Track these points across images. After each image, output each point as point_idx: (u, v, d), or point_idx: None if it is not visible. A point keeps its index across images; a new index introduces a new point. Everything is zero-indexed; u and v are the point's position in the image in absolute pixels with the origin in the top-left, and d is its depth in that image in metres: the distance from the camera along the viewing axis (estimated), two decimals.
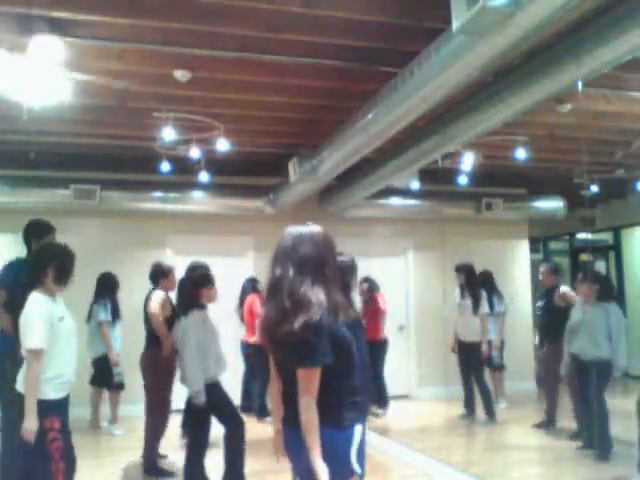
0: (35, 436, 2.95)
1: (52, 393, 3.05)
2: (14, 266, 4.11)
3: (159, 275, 4.93)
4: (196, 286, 4.23)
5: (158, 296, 4.79)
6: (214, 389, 4.10)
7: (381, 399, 6.87)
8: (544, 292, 6.03)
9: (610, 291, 5.28)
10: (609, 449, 4.76)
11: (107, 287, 6.16)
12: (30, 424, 2.94)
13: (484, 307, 6.50)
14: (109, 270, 6.27)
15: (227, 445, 4.11)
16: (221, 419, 4.15)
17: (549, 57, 3.81)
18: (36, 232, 4.10)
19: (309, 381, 1.97)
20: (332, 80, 4.61)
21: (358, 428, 2.10)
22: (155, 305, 4.72)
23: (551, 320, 5.73)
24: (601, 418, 4.76)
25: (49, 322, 3.06)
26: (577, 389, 5.17)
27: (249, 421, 5.34)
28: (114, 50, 4.04)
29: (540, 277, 6.12)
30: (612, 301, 5.09)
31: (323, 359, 1.98)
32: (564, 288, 5.86)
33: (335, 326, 2.05)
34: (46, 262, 3.19)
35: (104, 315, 6.01)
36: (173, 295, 5.06)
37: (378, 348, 6.68)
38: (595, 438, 4.82)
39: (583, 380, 4.95)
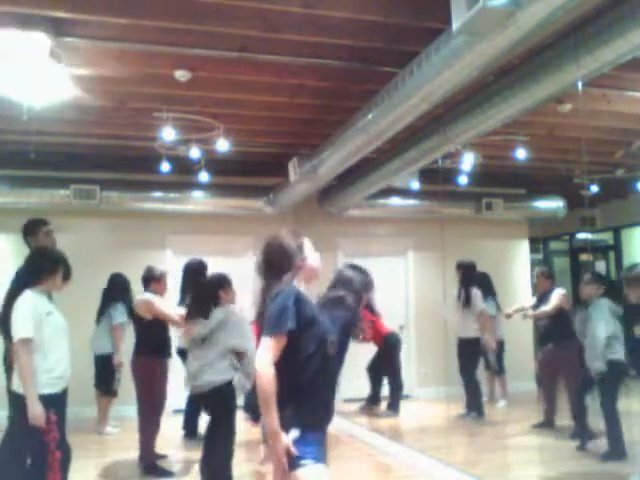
0: (32, 428, 3.09)
1: (46, 388, 3.17)
2: None
3: (150, 279, 4.92)
4: (214, 290, 4.24)
5: (148, 297, 4.79)
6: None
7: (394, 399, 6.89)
8: (540, 297, 5.97)
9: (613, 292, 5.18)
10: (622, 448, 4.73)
11: (121, 288, 6.15)
12: (35, 409, 3.07)
13: (478, 304, 6.52)
14: (118, 271, 6.25)
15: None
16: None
17: (549, 57, 3.81)
18: (30, 230, 4.38)
19: (271, 347, 2.17)
20: (332, 80, 4.61)
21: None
22: (149, 302, 4.73)
23: (552, 324, 5.67)
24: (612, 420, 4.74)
25: (37, 316, 3.21)
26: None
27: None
28: (114, 50, 4.04)
29: (535, 281, 6.12)
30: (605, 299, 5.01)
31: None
32: (562, 290, 5.82)
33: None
34: (56, 263, 3.45)
35: (121, 317, 5.99)
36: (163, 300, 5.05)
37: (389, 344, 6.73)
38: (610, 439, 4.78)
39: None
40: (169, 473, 4.66)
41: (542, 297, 5.90)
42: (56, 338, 3.28)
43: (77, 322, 6.01)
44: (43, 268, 3.40)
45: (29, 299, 3.26)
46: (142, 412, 4.74)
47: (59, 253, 3.62)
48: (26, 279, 3.40)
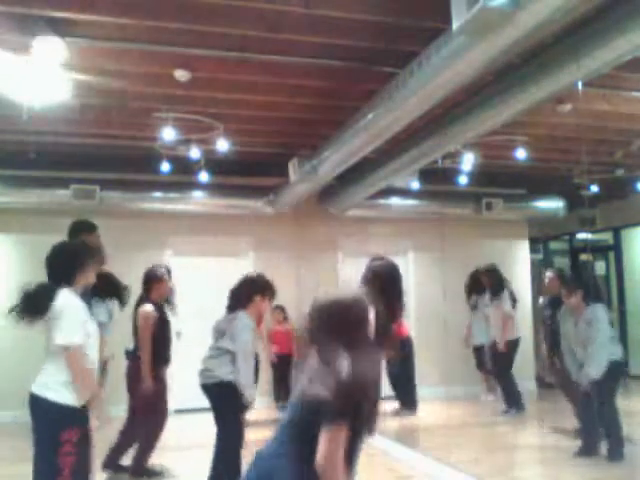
0: (48, 446, 2.77)
1: (73, 399, 2.84)
2: None
3: (152, 280, 4.79)
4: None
5: (147, 313, 4.65)
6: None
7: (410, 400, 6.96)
8: (550, 300, 5.87)
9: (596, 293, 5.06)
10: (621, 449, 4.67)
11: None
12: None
13: (507, 306, 6.73)
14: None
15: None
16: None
17: (549, 57, 3.81)
18: (87, 229, 4.48)
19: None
20: (332, 80, 4.61)
21: None
22: (145, 325, 4.61)
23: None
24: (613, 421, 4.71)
25: (84, 320, 2.94)
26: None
27: None
28: (114, 50, 4.04)
29: (545, 282, 6.10)
30: (598, 303, 4.90)
31: None
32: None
33: None
34: (88, 258, 3.13)
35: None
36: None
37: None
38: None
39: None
40: (159, 473, 4.61)
41: (554, 300, 5.70)
42: (90, 345, 2.97)
43: None
44: (77, 264, 3.03)
45: (77, 301, 2.96)
46: (145, 417, 4.68)
47: (84, 244, 3.37)
48: (60, 277, 3.00)
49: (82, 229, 4.52)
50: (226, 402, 3.97)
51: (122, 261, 6.86)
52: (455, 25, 2.92)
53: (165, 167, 6.22)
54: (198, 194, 7.16)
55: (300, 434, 1.84)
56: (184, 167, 6.44)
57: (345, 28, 3.79)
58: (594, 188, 7.39)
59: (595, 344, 4.68)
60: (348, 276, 7.41)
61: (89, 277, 3.14)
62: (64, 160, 6.70)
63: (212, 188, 7.13)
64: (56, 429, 2.78)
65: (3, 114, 4.86)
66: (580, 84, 4.07)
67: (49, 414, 2.82)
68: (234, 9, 3.54)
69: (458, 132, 4.93)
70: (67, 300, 2.93)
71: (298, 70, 4.41)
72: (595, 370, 4.64)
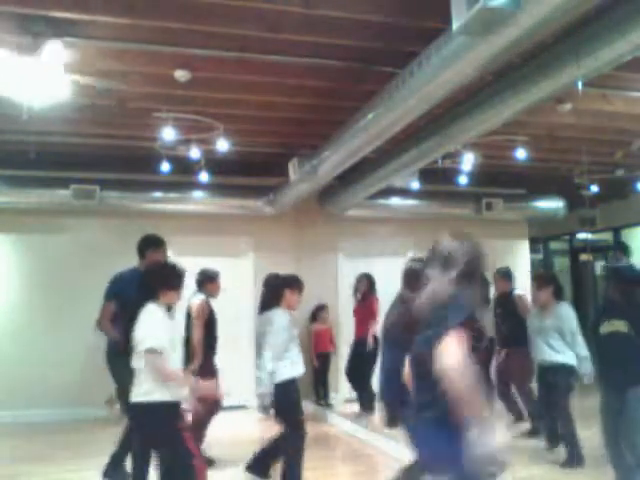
0: (172, 440, 3.20)
1: (172, 396, 3.26)
2: (126, 276, 4.61)
3: (206, 280, 5.13)
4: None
5: (200, 305, 4.93)
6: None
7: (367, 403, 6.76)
8: (497, 298, 5.98)
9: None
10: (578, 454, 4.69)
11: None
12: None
13: None
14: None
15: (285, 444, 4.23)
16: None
17: (549, 57, 3.81)
18: (153, 244, 4.82)
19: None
20: (332, 80, 4.61)
21: None
22: (199, 315, 4.88)
23: (511, 327, 5.57)
24: (567, 424, 4.74)
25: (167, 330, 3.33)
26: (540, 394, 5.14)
27: None
28: (114, 50, 4.04)
29: (492, 283, 6.12)
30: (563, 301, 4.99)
31: None
32: (519, 292, 5.85)
33: None
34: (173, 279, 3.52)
35: None
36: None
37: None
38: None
39: (545, 386, 4.97)
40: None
41: (502, 298, 5.94)
42: (175, 350, 3.40)
43: (78, 322, 6.01)
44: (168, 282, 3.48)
45: (159, 313, 3.37)
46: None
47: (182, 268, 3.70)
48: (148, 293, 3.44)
49: (149, 245, 4.83)
50: (281, 401, 4.14)
51: (122, 261, 6.87)
52: (455, 25, 2.91)
53: (165, 167, 6.23)
54: (198, 194, 7.17)
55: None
56: (184, 167, 6.44)
57: (345, 28, 3.79)
58: (594, 188, 7.41)
59: (574, 337, 4.78)
60: (348, 276, 7.41)
61: (173, 297, 3.50)
62: (64, 160, 6.70)
63: (212, 188, 7.13)
64: (172, 423, 3.27)
65: (3, 114, 4.86)
66: (580, 84, 4.07)
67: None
68: (234, 9, 3.54)
69: (458, 132, 4.93)
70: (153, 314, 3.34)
71: (298, 70, 4.41)
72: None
